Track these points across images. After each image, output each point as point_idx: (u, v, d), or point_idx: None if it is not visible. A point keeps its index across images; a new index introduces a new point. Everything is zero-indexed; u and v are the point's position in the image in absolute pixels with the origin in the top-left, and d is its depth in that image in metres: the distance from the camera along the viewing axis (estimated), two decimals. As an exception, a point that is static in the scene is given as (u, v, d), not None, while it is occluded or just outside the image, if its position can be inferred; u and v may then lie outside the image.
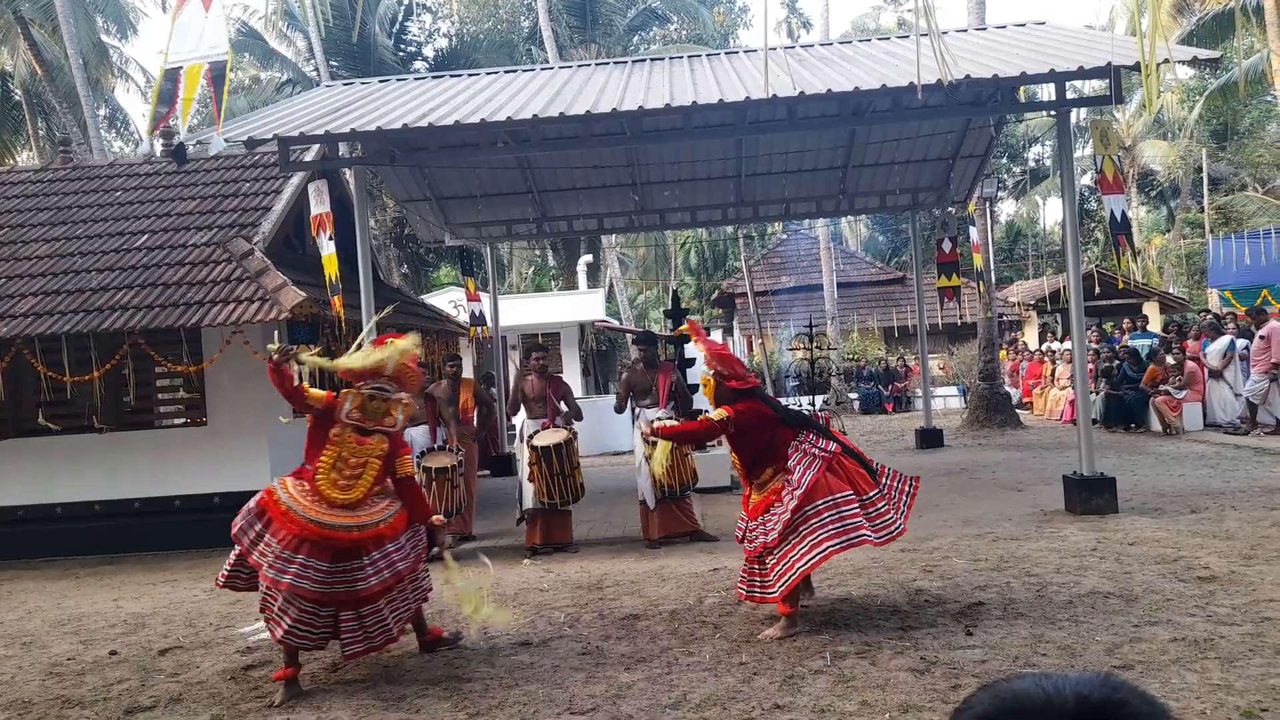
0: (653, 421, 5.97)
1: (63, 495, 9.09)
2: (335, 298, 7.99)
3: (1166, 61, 4.81)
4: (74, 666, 5.24)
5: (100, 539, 8.98)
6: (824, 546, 4.67)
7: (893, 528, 4.88)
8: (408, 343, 4.80)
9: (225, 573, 4.74)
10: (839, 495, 4.80)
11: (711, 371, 5.23)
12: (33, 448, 9.19)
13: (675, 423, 7.53)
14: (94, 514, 9.07)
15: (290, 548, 4.40)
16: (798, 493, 4.79)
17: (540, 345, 8.51)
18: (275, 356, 4.60)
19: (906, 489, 5.12)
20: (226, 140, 8.13)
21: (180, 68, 6.65)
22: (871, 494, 4.92)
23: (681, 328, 6.03)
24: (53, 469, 9.14)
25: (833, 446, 5.01)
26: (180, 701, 4.51)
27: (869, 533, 4.75)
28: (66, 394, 8.91)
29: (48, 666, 5.28)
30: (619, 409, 8.40)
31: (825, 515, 4.74)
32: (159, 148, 12.49)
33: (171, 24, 6.81)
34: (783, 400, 14.25)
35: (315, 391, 4.69)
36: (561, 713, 3.98)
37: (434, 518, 4.91)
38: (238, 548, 4.62)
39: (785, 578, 4.73)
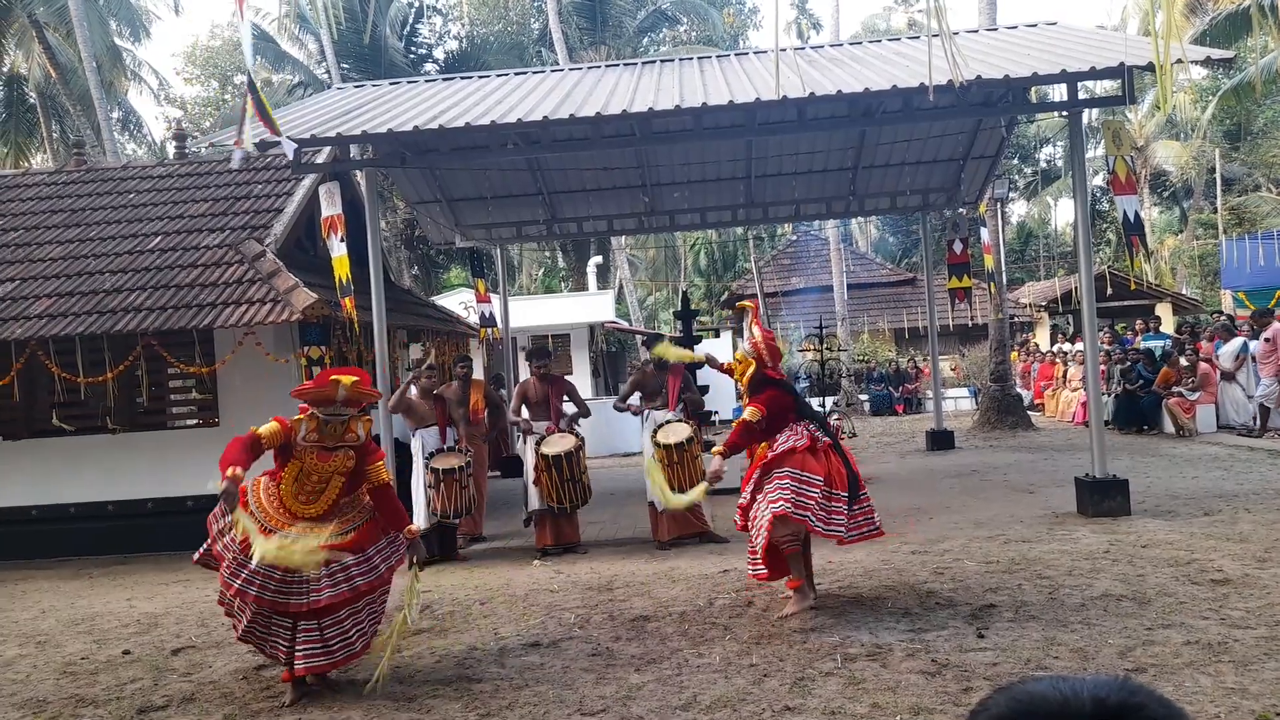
0: (716, 470, 5.63)
1: (76, 495, 9.15)
2: (347, 299, 8.02)
3: (1180, 61, 4.78)
4: (87, 666, 5.28)
5: (113, 539, 9.04)
6: (776, 504, 4.87)
7: (843, 529, 5.03)
8: (351, 377, 4.52)
9: (201, 550, 4.60)
10: (808, 474, 4.98)
11: (754, 354, 5.34)
12: (46, 448, 9.26)
13: (687, 428, 7.53)
14: (107, 514, 9.12)
15: (246, 552, 4.26)
16: (771, 454, 5.08)
17: (545, 350, 8.45)
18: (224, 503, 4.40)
19: (869, 527, 5.23)
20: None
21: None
22: (840, 493, 5.05)
23: (743, 302, 6.07)
24: (66, 469, 9.20)
25: (824, 440, 5.17)
26: (193, 701, 4.53)
27: (815, 519, 4.91)
28: (80, 395, 8.97)
29: (62, 665, 5.32)
30: (621, 404, 8.38)
31: (787, 480, 4.94)
32: (172, 150, 12.57)
33: (246, 36, 7.12)
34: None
35: (267, 429, 4.48)
36: (572, 714, 3.98)
37: (408, 529, 4.72)
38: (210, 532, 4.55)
39: (759, 537, 4.97)
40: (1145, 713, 0.73)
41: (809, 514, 4.89)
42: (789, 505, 4.86)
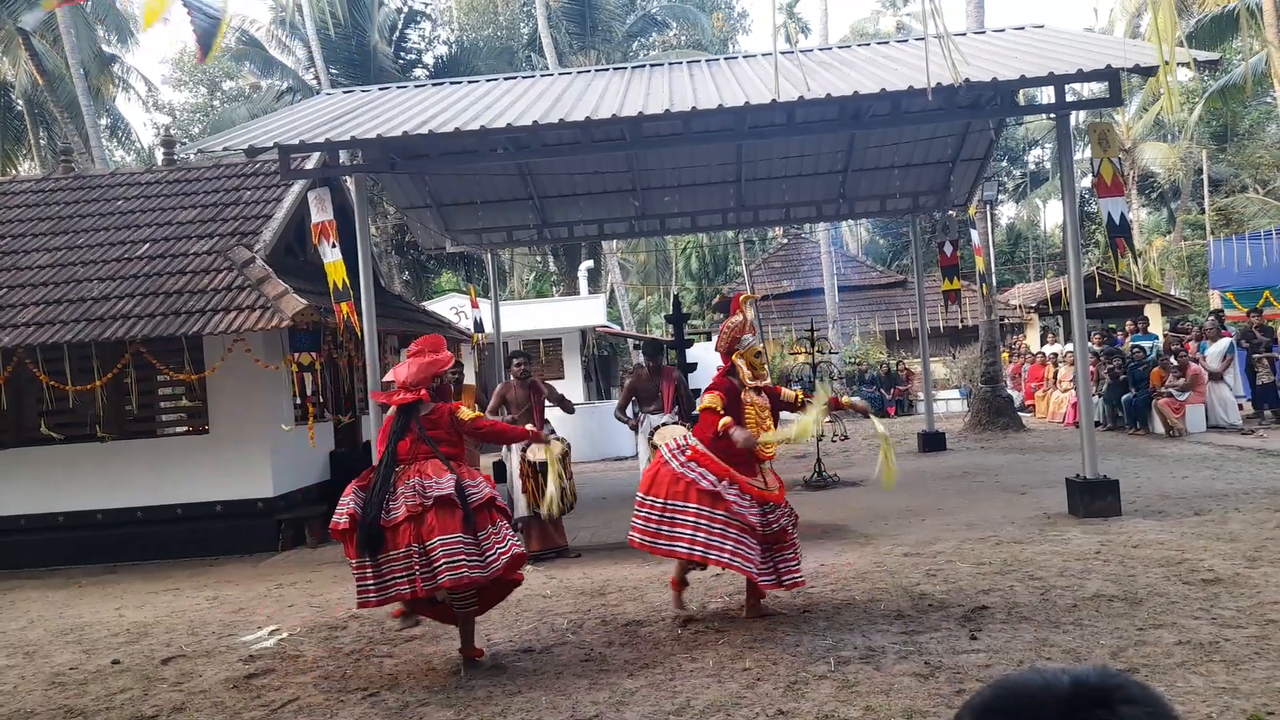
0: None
1: (65, 504, 9.10)
2: (343, 304, 7.95)
3: (1167, 64, 4.82)
4: (76, 676, 5.24)
5: (102, 548, 8.98)
6: None
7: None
8: None
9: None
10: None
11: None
12: (35, 457, 9.20)
13: (683, 429, 7.53)
14: (96, 523, 9.07)
15: None
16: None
17: (521, 352, 8.42)
18: None
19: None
20: (226, 149, 8.14)
21: None
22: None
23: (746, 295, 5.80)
24: (55, 478, 9.14)
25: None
26: (183, 711, 4.50)
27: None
28: (69, 403, 8.92)
29: (50, 676, 5.28)
30: (620, 413, 8.38)
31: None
32: (160, 156, 12.51)
33: None
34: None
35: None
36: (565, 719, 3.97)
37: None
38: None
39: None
40: (1123, 693, 0.75)
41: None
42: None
